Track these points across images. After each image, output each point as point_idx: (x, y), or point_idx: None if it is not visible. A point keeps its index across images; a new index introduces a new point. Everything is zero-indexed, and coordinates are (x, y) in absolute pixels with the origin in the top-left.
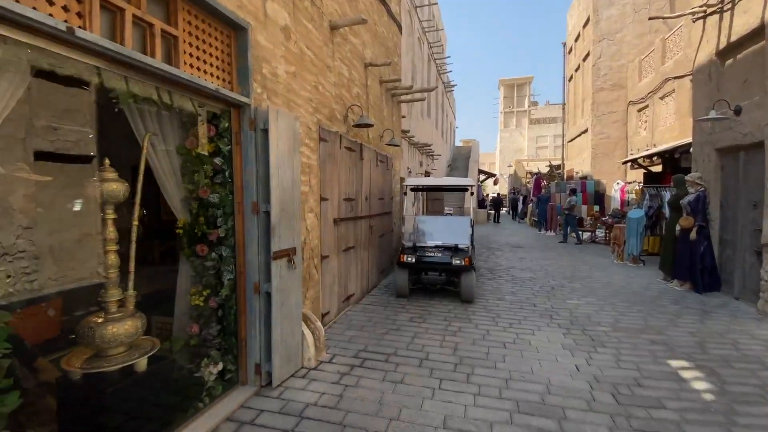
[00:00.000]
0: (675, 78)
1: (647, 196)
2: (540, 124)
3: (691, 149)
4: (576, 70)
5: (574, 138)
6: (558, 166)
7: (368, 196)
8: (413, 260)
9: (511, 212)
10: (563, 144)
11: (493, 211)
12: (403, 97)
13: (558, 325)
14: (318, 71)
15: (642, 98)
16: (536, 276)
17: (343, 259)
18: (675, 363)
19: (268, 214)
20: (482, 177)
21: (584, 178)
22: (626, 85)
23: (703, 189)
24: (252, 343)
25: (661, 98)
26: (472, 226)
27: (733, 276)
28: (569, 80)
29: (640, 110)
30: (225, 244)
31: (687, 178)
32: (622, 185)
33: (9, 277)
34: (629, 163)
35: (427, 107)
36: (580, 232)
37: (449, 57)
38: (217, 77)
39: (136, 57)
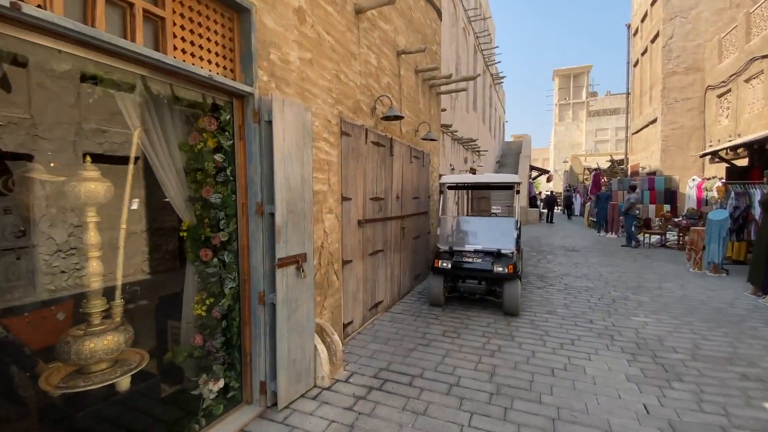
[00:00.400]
0: (763, 57)
1: (732, 195)
2: (600, 116)
3: None
4: (642, 54)
5: (640, 129)
6: (621, 161)
7: (400, 195)
8: (449, 266)
9: (564, 211)
10: (627, 137)
11: (546, 210)
12: (442, 88)
13: (621, 348)
14: (340, 59)
15: (723, 82)
16: (594, 285)
17: (369, 264)
18: None
19: (272, 215)
20: (534, 173)
21: (652, 173)
22: (703, 67)
23: None
24: (257, 359)
25: (747, 81)
26: (519, 229)
27: None
28: (634, 66)
29: (720, 96)
30: (228, 249)
31: None
32: (699, 181)
33: (63, 272)
34: (708, 156)
35: (472, 100)
36: (638, 235)
37: (497, 47)
38: (217, 64)
39: (103, 38)
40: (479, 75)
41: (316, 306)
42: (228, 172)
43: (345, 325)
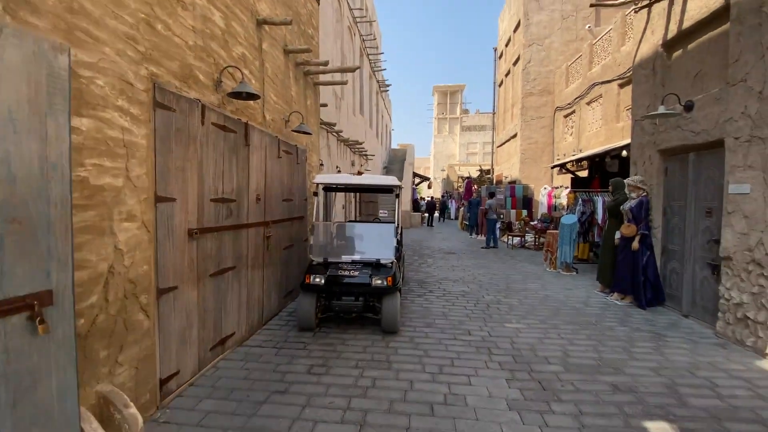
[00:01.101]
0: (602, 83)
1: (580, 201)
2: (470, 131)
3: (630, 151)
4: (506, 75)
5: (504, 143)
6: (488, 171)
7: (263, 195)
8: (322, 281)
9: (441, 214)
10: (493, 149)
11: (427, 215)
12: (321, 78)
13: (499, 364)
14: (156, 0)
15: (569, 104)
16: (469, 290)
17: (210, 289)
18: (653, 426)
19: None
20: (417, 180)
21: (513, 182)
22: (553, 91)
23: (645, 194)
24: None
25: (588, 104)
26: (400, 235)
27: (680, 290)
28: (500, 85)
29: (566, 116)
30: None
31: (628, 181)
32: (549, 190)
33: None
34: (557, 168)
35: (359, 103)
36: (502, 237)
37: (383, 53)
38: None
39: None
40: (358, 67)
41: (99, 365)
42: None
43: (164, 380)
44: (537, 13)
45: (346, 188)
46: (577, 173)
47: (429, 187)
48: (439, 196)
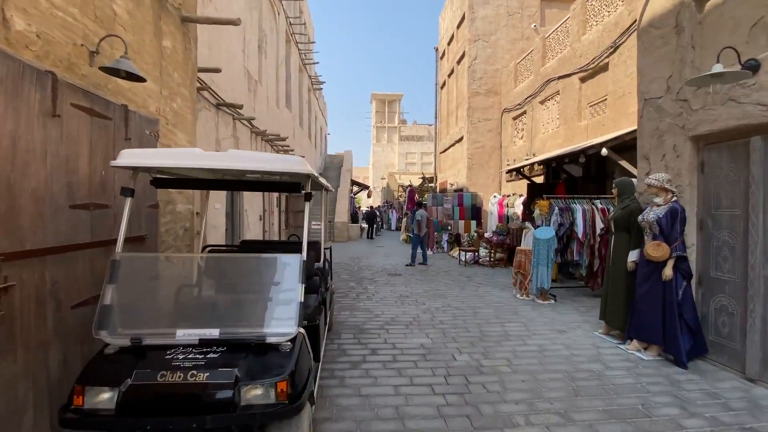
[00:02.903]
0: (560, 78)
1: (556, 211)
2: (409, 141)
3: (639, 141)
4: (449, 76)
5: (448, 148)
6: (431, 179)
7: (18, 202)
8: (114, 404)
9: (368, 230)
10: (435, 155)
11: (366, 226)
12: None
13: None
14: None
15: (518, 104)
16: (432, 343)
17: None
18: None
19: None
20: (356, 189)
21: (460, 190)
22: (500, 91)
23: (675, 199)
24: None
25: (542, 102)
26: (316, 276)
27: (735, 340)
28: (441, 87)
29: (516, 117)
30: None
31: (650, 181)
32: (500, 198)
33: None
34: (508, 174)
35: (285, 95)
36: (451, 251)
37: (315, 43)
38: None
39: None
40: (239, 21)
41: None
42: None
43: None
44: (482, 6)
45: (199, 182)
46: (533, 178)
47: (368, 196)
48: (379, 206)
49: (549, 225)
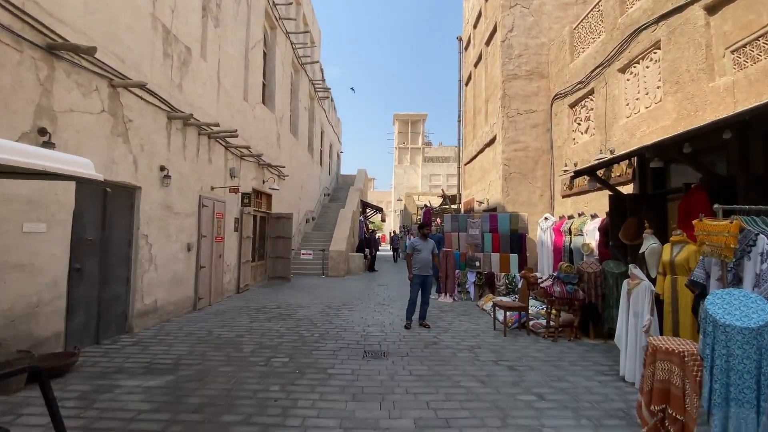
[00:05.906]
0: (661, 18)
1: (765, 242)
2: (433, 162)
3: None
4: (476, 65)
5: (474, 157)
6: (453, 197)
7: None
8: None
9: (393, 254)
10: (459, 167)
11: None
12: None
13: None
14: None
15: (580, 82)
16: None
17: None
18: None
19: None
20: (369, 211)
21: (493, 209)
22: (548, 73)
23: None
24: None
25: (624, 69)
26: None
27: None
28: (466, 84)
29: (575, 103)
30: None
31: None
32: (555, 222)
33: None
34: (567, 185)
35: (259, 89)
36: (484, 304)
37: (314, 44)
38: None
39: None
40: None
41: None
42: None
43: None
44: None
45: None
46: (617, 188)
47: (383, 220)
48: (394, 231)
49: (743, 283)
